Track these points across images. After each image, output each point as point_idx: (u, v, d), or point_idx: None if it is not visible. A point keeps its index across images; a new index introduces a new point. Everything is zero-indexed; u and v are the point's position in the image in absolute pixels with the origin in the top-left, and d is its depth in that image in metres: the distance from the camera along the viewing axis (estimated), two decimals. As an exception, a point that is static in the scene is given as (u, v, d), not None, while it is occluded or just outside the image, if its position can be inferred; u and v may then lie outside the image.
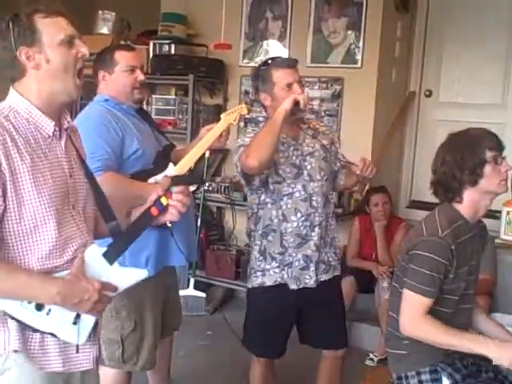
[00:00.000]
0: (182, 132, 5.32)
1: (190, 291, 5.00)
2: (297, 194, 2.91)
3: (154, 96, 5.58)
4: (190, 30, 5.68)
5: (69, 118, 1.89)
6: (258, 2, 5.46)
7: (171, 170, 2.74)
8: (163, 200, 1.94)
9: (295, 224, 2.91)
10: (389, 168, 5.32)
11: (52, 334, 1.74)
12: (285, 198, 2.91)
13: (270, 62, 2.93)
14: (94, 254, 1.79)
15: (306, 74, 5.13)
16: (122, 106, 2.80)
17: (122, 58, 2.81)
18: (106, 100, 2.79)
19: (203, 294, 5.09)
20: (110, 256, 1.80)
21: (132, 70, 2.81)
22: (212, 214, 5.67)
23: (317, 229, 2.94)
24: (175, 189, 2.00)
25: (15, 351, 1.71)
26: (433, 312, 2.28)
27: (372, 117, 5.05)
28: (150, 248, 2.73)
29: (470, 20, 5.19)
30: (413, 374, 2.40)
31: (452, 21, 5.28)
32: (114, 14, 5.82)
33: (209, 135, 2.87)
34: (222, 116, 2.92)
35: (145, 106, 5.38)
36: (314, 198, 2.93)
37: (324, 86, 5.17)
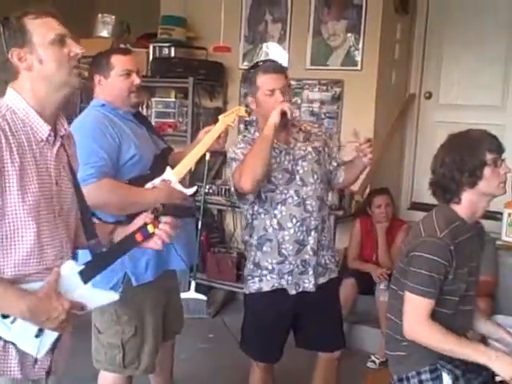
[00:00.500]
0: (182, 135, 5.33)
1: (191, 294, 4.95)
2: (290, 200, 2.88)
3: (153, 99, 5.59)
4: (189, 32, 5.68)
5: (66, 125, 1.88)
6: (257, 4, 5.47)
7: (169, 174, 2.73)
8: (150, 228, 1.94)
9: (292, 231, 2.88)
10: (389, 170, 5.32)
11: (13, 344, 1.74)
12: (278, 206, 2.88)
13: (258, 65, 2.91)
14: (70, 270, 1.78)
15: (305, 77, 5.17)
16: (119, 111, 2.79)
17: (118, 62, 2.80)
18: (103, 105, 2.78)
19: (204, 297, 5.06)
20: (86, 275, 1.80)
21: (128, 73, 2.79)
22: (213, 217, 5.67)
23: (313, 233, 2.91)
24: (164, 218, 2.00)
25: None
26: (433, 313, 2.28)
27: (372, 119, 5.05)
28: (150, 252, 2.71)
29: (469, 22, 5.19)
30: (413, 374, 2.39)
31: (451, 23, 5.29)
32: (113, 17, 5.83)
33: (207, 137, 2.87)
34: (220, 117, 2.91)
35: (144, 109, 5.41)
36: (307, 202, 2.89)
37: (324, 88, 5.17)
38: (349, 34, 5.08)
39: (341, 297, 3.25)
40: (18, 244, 1.73)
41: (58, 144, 1.84)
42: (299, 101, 5.24)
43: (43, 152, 1.79)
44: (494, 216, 4.32)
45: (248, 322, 3.07)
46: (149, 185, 2.68)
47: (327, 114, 5.19)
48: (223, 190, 5.17)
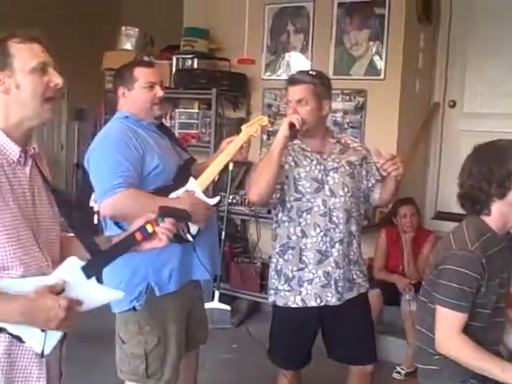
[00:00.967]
0: (206, 145, 5.36)
1: (215, 304, 4.99)
2: (316, 209, 2.88)
3: (177, 110, 5.63)
4: (212, 44, 5.73)
5: (34, 144, 1.86)
6: (279, 15, 5.48)
7: (192, 185, 2.74)
8: (148, 227, 1.93)
9: (315, 239, 2.89)
10: (414, 179, 5.28)
11: (19, 338, 1.71)
12: (304, 214, 2.89)
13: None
14: (72, 265, 1.77)
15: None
16: (142, 123, 2.81)
17: (142, 74, 2.82)
18: (126, 117, 2.80)
19: (228, 307, 5.09)
20: (89, 270, 1.78)
21: (151, 86, 2.82)
22: (236, 227, 5.68)
23: (337, 245, 2.90)
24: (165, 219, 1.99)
25: None
26: (465, 327, 2.24)
27: (396, 128, 5.03)
28: (173, 262, 2.72)
29: (492, 30, 5.15)
30: None
31: (475, 31, 5.25)
32: (137, 29, 5.89)
33: (230, 148, 2.87)
34: (243, 128, 2.92)
35: (168, 120, 5.44)
36: (334, 214, 2.89)
37: (347, 98, 5.16)
38: (371, 44, 5.07)
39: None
40: None
41: (29, 164, 1.82)
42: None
43: (16, 174, 1.78)
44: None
45: (273, 329, 3.10)
46: (173, 195, 2.69)
47: (350, 124, 5.18)
48: (246, 200, 5.17)
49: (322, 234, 2.88)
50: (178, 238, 2.42)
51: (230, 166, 2.94)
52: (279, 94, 5.46)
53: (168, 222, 1.97)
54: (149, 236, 1.94)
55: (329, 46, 5.25)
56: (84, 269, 1.77)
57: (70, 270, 1.76)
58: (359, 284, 3.02)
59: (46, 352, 1.74)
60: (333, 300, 2.91)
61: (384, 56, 5.02)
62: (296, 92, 2.86)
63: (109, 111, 5.53)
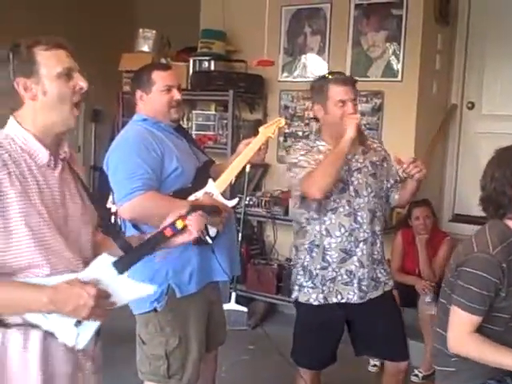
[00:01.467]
0: (223, 147, 5.37)
1: (232, 305, 5.01)
2: (341, 209, 2.92)
3: (194, 112, 5.65)
4: (229, 46, 5.74)
5: (66, 148, 1.89)
6: (296, 17, 5.49)
7: (211, 187, 2.75)
8: (179, 223, 1.95)
9: (339, 239, 2.92)
10: (431, 181, 5.25)
11: (51, 334, 1.74)
12: (329, 214, 2.92)
13: (329, 75, 2.98)
14: (104, 262, 1.79)
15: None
16: (161, 125, 2.83)
17: (159, 77, 2.84)
18: (145, 120, 2.82)
19: (245, 309, 5.09)
20: (120, 266, 1.80)
21: (169, 89, 2.83)
22: (253, 229, 5.68)
23: (361, 244, 2.94)
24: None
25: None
26: (482, 330, 2.23)
27: (413, 130, 5.01)
28: (193, 264, 2.74)
29: (510, 32, 5.11)
30: None
31: (492, 33, 5.22)
32: (154, 31, 5.91)
33: (247, 149, 2.88)
34: (261, 129, 2.92)
35: (185, 122, 5.46)
36: (359, 214, 2.93)
37: (364, 99, 5.14)
38: (388, 45, 5.06)
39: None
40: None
41: (59, 167, 1.86)
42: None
43: (46, 176, 1.81)
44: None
45: (297, 327, 3.12)
46: (192, 197, 2.70)
47: (367, 126, 5.16)
48: (263, 202, 5.18)
49: (346, 234, 2.92)
50: (197, 241, 2.43)
51: (247, 168, 2.95)
52: (296, 96, 5.47)
53: (197, 214, 1.98)
54: (178, 232, 1.96)
55: (346, 47, 5.24)
56: (115, 264, 1.80)
57: (102, 266, 1.79)
58: (384, 282, 3.05)
59: (81, 346, 1.77)
60: (354, 298, 2.94)
61: (401, 57, 5.01)
62: (351, 92, 2.91)
63: (126, 113, 5.55)
